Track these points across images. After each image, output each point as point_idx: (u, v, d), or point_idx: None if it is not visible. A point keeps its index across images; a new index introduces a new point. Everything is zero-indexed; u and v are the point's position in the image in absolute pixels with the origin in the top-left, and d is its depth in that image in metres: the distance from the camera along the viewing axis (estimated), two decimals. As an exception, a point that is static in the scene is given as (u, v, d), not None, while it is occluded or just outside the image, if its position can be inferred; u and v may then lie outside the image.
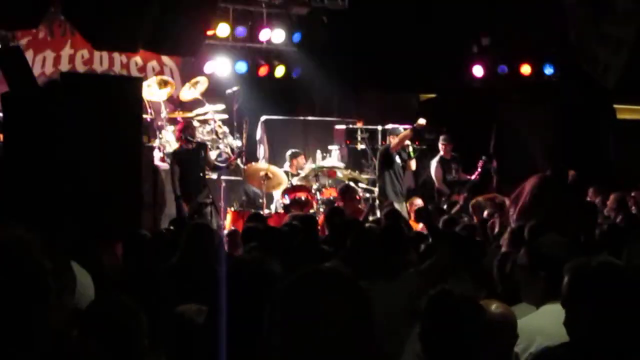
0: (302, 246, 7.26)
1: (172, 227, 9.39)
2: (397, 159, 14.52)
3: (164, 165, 13.81)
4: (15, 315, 2.34)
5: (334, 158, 15.53)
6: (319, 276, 2.33)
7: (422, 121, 14.34)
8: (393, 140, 14.51)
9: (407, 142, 14.61)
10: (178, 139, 13.26)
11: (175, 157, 12.97)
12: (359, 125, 16.26)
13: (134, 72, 15.91)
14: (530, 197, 9.36)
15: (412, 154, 14.71)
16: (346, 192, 12.98)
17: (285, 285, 2.31)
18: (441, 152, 15.60)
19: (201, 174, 13.04)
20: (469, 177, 15.39)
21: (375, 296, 5.40)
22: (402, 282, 5.79)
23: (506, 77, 17.96)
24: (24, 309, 2.37)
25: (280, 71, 16.61)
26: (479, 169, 15.37)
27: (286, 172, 14.29)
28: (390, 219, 9.36)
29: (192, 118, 14.77)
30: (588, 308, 3.30)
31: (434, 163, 15.51)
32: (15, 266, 2.36)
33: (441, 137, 15.67)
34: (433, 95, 18.89)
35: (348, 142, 15.90)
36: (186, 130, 13.07)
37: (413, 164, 14.86)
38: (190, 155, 12.92)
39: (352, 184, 14.21)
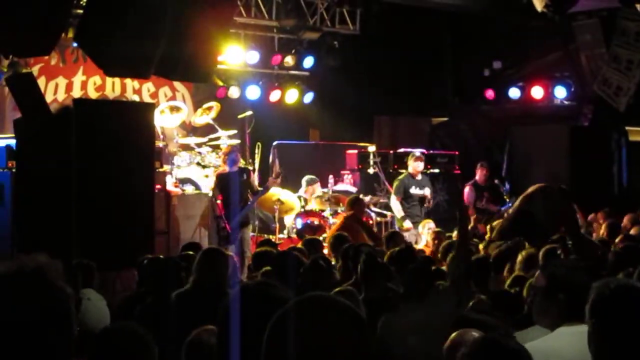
0: (311, 271, 7.21)
1: (187, 252, 9.35)
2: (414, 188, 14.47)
3: (177, 191, 13.80)
4: (42, 344, 2.33)
5: (346, 183, 15.49)
6: (315, 304, 2.29)
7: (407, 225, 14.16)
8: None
9: (420, 166, 14.55)
10: (224, 163, 13.18)
11: (219, 180, 12.88)
12: (371, 149, 16.23)
13: (146, 98, 15.94)
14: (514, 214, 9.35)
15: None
16: (355, 203, 12.79)
17: (280, 313, 2.28)
18: (476, 177, 15.45)
19: (241, 196, 12.94)
20: (497, 208, 15.17)
21: (407, 321, 5.42)
22: (433, 303, 5.78)
23: (517, 100, 17.93)
24: (50, 337, 2.36)
25: (292, 96, 16.62)
26: (509, 201, 14.97)
27: (299, 197, 14.25)
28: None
29: (204, 144, 14.78)
30: (616, 328, 3.29)
31: (467, 187, 15.27)
32: (43, 294, 2.36)
33: (479, 164, 15.49)
34: (445, 119, 18.87)
35: (360, 166, 15.86)
36: (231, 155, 12.99)
37: (427, 191, 14.68)
38: (233, 179, 12.85)
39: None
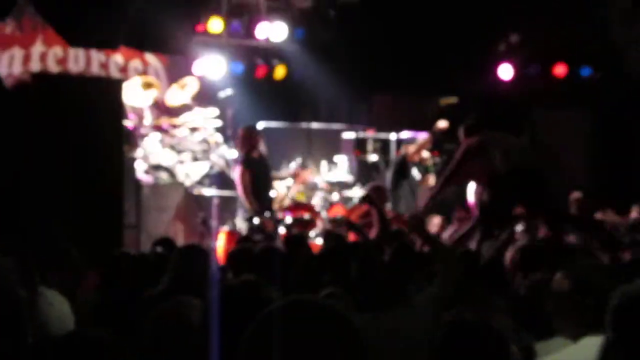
0: (296, 271, 7.22)
1: (158, 249, 9.33)
2: (415, 172, 14.46)
3: (148, 179, 13.77)
4: None
5: (341, 171, 15.50)
6: (300, 308, 2.29)
7: (442, 124, 14.22)
8: (410, 149, 14.46)
9: (425, 153, 14.54)
10: (243, 147, 13.12)
11: (249, 164, 12.87)
12: (370, 133, 16.22)
13: (114, 73, 15.88)
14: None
15: (430, 168, 14.63)
16: (376, 192, 12.78)
17: (263, 316, 2.29)
18: None
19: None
20: None
21: (387, 329, 5.41)
22: (416, 311, 5.74)
23: (538, 79, 17.90)
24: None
25: (280, 72, 16.60)
26: None
27: (288, 188, 14.24)
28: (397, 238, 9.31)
29: (180, 125, 14.75)
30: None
31: None
32: None
33: None
34: (455, 100, 18.85)
35: (357, 153, 15.85)
36: (251, 138, 12.92)
37: (432, 179, 14.73)
38: (260, 167, 12.80)
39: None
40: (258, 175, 12.78)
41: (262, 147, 13.22)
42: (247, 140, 13.08)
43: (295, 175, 14.60)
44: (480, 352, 3.55)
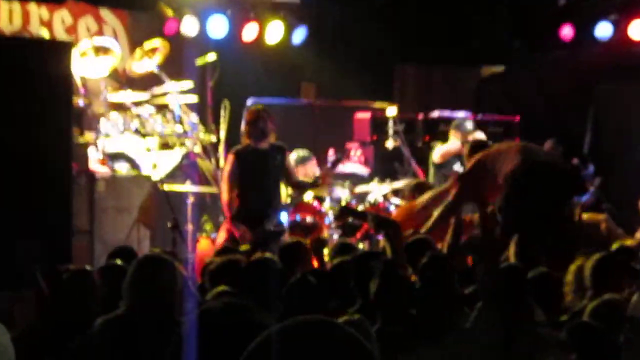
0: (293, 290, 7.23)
1: (117, 262, 9.32)
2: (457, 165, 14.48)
3: (104, 171, 13.74)
4: None
5: (354, 161, 15.45)
6: (309, 331, 2.33)
7: (479, 135, 14.27)
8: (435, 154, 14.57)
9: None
10: (246, 134, 13.05)
11: (238, 157, 12.77)
12: (391, 112, 16.16)
13: (60, 34, 15.86)
14: None
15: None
16: (416, 190, 12.74)
17: (257, 343, 2.33)
18: None
19: (272, 189, 12.81)
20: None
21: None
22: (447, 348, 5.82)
23: (608, 42, 17.86)
24: None
25: (275, 33, 16.58)
26: (592, 189, 15.00)
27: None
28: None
29: (145, 102, 14.71)
30: None
31: None
32: None
33: (548, 142, 15.48)
34: (500, 69, 18.86)
35: (375, 137, 15.84)
36: (258, 123, 12.83)
37: None
38: (259, 160, 12.72)
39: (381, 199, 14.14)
40: (250, 171, 12.66)
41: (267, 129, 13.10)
42: (249, 125, 12.94)
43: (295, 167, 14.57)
44: None
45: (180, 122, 14.72)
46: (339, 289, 8.24)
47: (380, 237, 13.50)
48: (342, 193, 14.34)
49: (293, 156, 14.63)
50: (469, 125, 14.79)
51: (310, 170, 14.50)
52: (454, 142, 14.64)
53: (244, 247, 10.96)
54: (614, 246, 10.13)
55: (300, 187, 13.02)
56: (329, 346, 2.28)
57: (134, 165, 14.26)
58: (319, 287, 7.32)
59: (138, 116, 14.60)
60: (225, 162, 12.88)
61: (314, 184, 12.89)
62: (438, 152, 14.71)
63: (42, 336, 6.72)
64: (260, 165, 12.51)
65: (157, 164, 14.20)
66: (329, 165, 13.08)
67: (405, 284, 7.35)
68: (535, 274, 7.66)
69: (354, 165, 15.40)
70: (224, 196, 12.42)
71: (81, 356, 5.90)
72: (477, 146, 11.86)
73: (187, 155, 14.64)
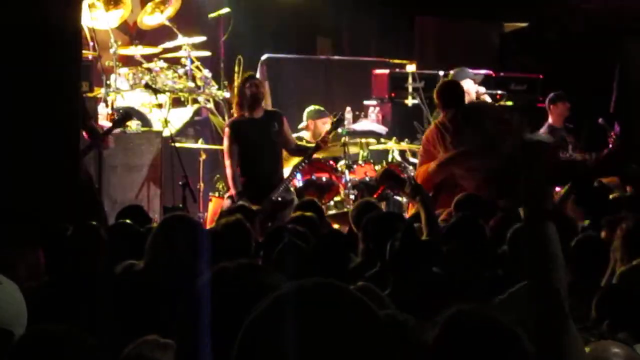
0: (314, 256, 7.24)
1: (124, 220, 9.32)
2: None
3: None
4: None
5: (371, 119, 15.41)
6: (323, 293, 2.31)
7: None
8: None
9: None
10: (237, 106, 13.02)
11: (234, 130, 12.72)
12: (411, 68, 16.10)
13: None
14: None
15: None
16: None
17: (270, 302, 2.33)
18: (550, 119, 15.54)
19: (274, 158, 12.79)
20: (588, 155, 14.99)
21: None
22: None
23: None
24: None
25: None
26: (610, 146, 14.97)
27: (300, 139, 14.13)
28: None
29: (156, 56, 14.66)
30: None
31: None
32: None
33: (551, 96, 15.43)
34: (523, 25, 18.81)
35: (393, 94, 15.79)
36: (251, 90, 12.79)
37: None
38: (257, 129, 12.69)
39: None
40: (249, 141, 12.62)
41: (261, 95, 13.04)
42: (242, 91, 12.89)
43: (307, 126, 14.52)
44: (484, 350, 3.49)
45: (193, 78, 14.68)
46: (361, 250, 8.26)
47: (398, 198, 13.56)
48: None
49: (308, 110, 14.63)
50: (470, 74, 14.70)
51: (321, 127, 14.46)
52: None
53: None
54: None
55: (299, 153, 12.96)
56: (336, 310, 2.28)
57: (144, 122, 14.23)
58: (337, 249, 7.32)
59: (149, 70, 14.56)
60: (224, 136, 12.82)
61: (315, 149, 12.82)
62: None
63: (51, 292, 6.71)
64: (259, 135, 12.49)
65: (167, 120, 14.17)
66: (329, 127, 13.08)
67: (429, 247, 7.35)
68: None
69: (371, 123, 15.36)
70: (228, 171, 12.43)
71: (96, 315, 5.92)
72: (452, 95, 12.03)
73: (199, 111, 14.60)
